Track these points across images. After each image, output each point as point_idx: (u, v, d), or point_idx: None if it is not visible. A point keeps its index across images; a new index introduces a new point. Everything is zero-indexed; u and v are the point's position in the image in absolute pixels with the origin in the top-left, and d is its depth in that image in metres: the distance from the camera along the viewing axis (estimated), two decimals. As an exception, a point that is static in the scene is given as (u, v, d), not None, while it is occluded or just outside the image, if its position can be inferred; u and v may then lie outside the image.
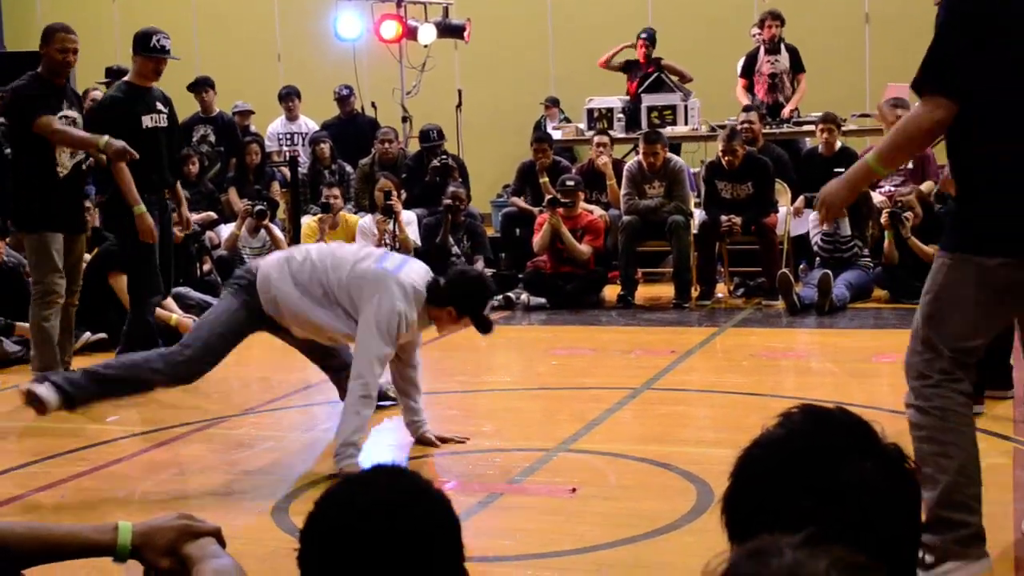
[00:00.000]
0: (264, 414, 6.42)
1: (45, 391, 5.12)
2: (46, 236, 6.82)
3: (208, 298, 9.11)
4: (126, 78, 7.49)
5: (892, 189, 9.49)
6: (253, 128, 12.73)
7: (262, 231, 10.20)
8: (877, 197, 9.49)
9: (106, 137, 6.65)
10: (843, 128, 10.55)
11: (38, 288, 6.89)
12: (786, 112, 11.17)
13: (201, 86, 11.99)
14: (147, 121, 7.15)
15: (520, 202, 10.67)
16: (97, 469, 5.35)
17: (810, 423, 1.54)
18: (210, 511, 4.68)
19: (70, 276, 7.02)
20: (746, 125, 10.19)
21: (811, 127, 10.70)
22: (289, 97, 12.89)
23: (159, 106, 7.28)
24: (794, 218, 9.75)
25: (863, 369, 7.07)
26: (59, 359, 6.88)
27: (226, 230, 10.10)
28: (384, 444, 5.90)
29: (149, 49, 7.16)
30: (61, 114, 6.76)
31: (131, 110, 7.09)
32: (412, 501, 1.57)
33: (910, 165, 9.54)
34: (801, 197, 9.53)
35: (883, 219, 9.00)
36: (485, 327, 5.28)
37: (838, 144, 10.22)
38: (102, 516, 4.63)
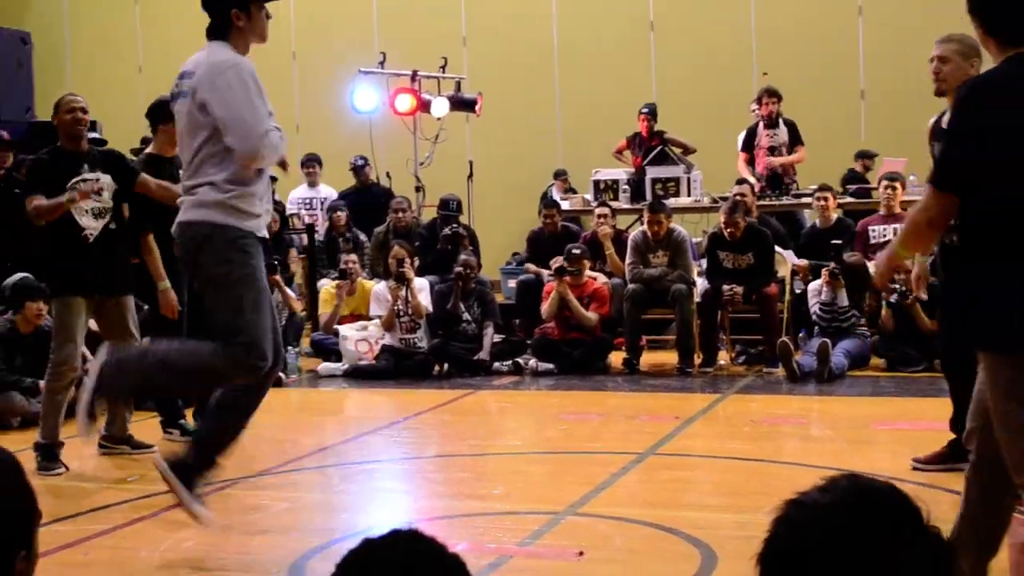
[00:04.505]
0: (279, 475, 6.56)
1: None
2: (68, 302, 6.66)
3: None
4: (148, 149, 7.49)
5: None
6: (276, 196, 13.01)
7: (275, 290, 10.37)
8: (873, 268, 9.65)
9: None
10: (839, 201, 10.85)
11: (52, 358, 6.70)
12: (777, 163, 11.48)
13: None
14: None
15: (534, 268, 10.95)
16: (118, 528, 5.44)
17: (856, 496, 1.54)
18: (230, 571, 4.82)
19: (116, 338, 6.58)
20: (739, 197, 10.36)
21: (809, 199, 10.96)
22: (310, 163, 13.28)
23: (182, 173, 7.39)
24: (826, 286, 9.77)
25: (862, 436, 7.24)
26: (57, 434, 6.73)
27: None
28: (395, 507, 6.09)
29: (170, 117, 7.18)
30: (81, 177, 6.67)
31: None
32: (429, 564, 1.61)
33: None
34: (824, 271, 9.53)
35: (889, 298, 9.10)
36: None
37: (834, 216, 10.47)
38: (124, 574, 4.79)
